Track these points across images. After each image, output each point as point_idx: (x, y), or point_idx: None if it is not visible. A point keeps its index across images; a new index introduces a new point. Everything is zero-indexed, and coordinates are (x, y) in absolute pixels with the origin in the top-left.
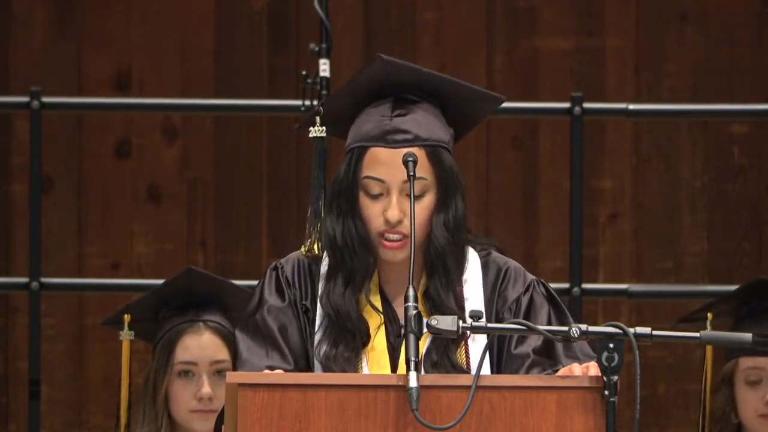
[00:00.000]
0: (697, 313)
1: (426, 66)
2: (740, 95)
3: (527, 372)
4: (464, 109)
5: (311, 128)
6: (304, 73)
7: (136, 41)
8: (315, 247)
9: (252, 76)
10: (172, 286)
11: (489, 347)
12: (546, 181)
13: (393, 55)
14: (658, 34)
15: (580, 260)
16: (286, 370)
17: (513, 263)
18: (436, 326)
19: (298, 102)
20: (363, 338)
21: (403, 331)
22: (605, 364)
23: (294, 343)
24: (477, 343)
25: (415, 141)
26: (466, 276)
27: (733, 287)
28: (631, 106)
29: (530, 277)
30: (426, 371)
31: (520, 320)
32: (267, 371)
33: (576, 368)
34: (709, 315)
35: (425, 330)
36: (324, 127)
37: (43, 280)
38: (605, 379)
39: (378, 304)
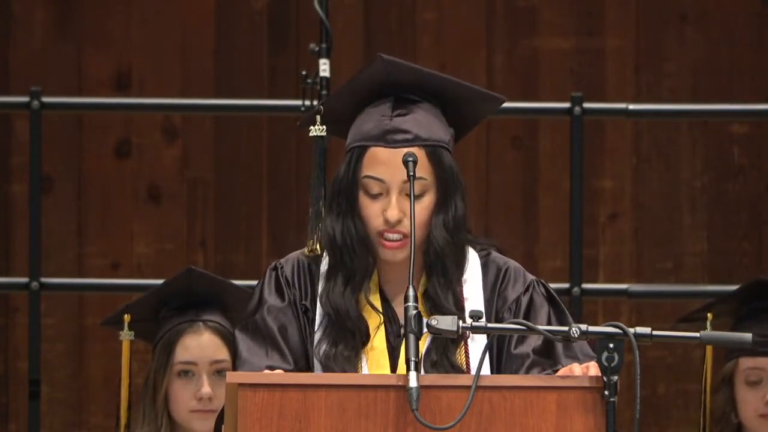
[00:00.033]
0: (697, 313)
1: (426, 66)
2: (740, 95)
3: (527, 372)
4: (465, 109)
5: (311, 127)
6: (304, 73)
7: (136, 41)
8: (318, 247)
9: (252, 76)
10: (172, 286)
11: (489, 347)
12: (546, 181)
13: (393, 55)
14: (658, 34)
15: (580, 260)
16: (285, 370)
17: (513, 263)
18: (436, 326)
19: (298, 102)
20: (363, 337)
21: (402, 330)
22: (605, 364)
23: (294, 343)
24: (476, 344)
25: (415, 141)
26: (465, 276)
27: (733, 287)
28: (631, 106)
29: (530, 277)
30: (426, 371)
31: (520, 320)
32: (267, 371)
33: (576, 368)
34: (709, 315)
35: (425, 330)
36: (324, 126)
37: (43, 280)
38: (605, 379)
39: (377, 303)
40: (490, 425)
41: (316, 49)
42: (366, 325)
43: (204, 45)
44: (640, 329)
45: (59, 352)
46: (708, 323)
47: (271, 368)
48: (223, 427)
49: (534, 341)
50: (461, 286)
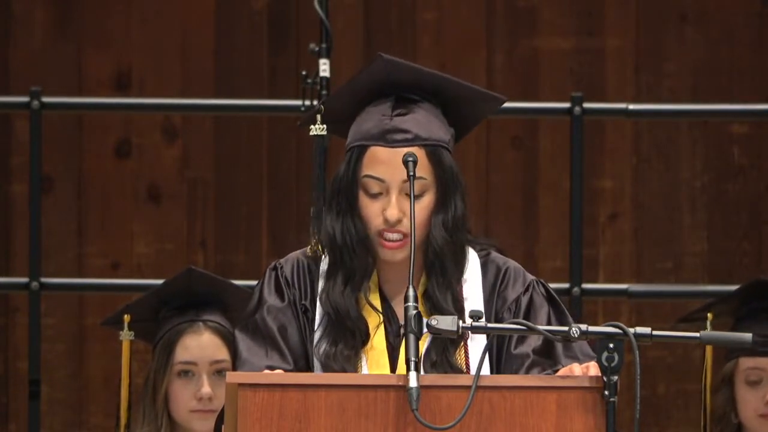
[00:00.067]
0: (697, 313)
1: (426, 66)
2: (740, 95)
3: (527, 372)
4: (465, 109)
5: (312, 126)
6: (304, 73)
7: (136, 41)
8: (320, 248)
9: (252, 76)
10: (172, 286)
11: (488, 348)
12: (546, 181)
13: (393, 55)
14: (658, 34)
15: (580, 260)
16: (285, 370)
17: (512, 263)
18: (436, 326)
19: (298, 102)
20: (362, 337)
21: (402, 330)
22: (605, 364)
23: (293, 343)
24: (476, 344)
25: (415, 140)
26: (465, 276)
27: (733, 287)
28: (631, 106)
29: (530, 277)
30: (425, 371)
31: (520, 320)
32: (267, 371)
33: (576, 368)
34: (709, 315)
35: (425, 330)
36: (324, 126)
37: (43, 280)
38: (605, 379)
39: (377, 303)
40: (490, 425)
41: (316, 49)
42: (366, 324)
43: (204, 45)
44: (640, 329)
45: (59, 352)
46: (708, 323)
47: (271, 368)
48: (223, 427)
49: (534, 341)
50: (461, 286)
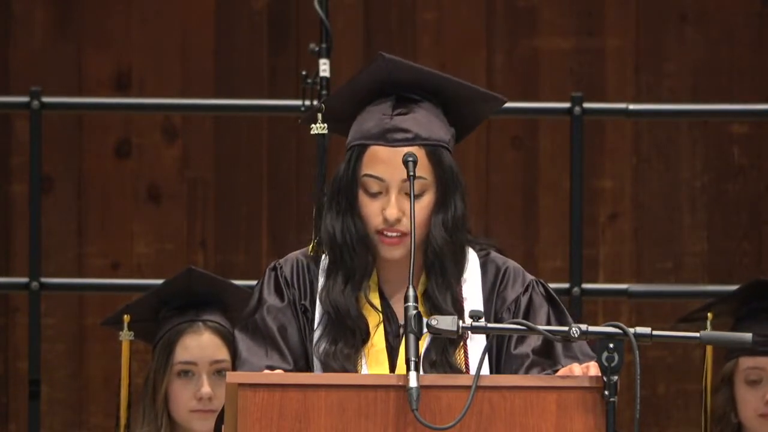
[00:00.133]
0: (697, 313)
1: (426, 66)
2: (740, 95)
3: (527, 372)
4: (465, 109)
5: (313, 125)
6: (304, 73)
7: (136, 41)
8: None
9: (252, 76)
10: (172, 286)
11: (488, 348)
12: (546, 181)
13: (393, 55)
14: (658, 34)
15: (580, 260)
16: (285, 370)
17: (512, 263)
18: (436, 326)
19: (298, 102)
20: (363, 336)
21: (402, 330)
22: (605, 364)
23: (293, 343)
24: (476, 344)
25: (415, 140)
26: (465, 276)
27: (733, 287)
28: (631, 106)
29: (529, 277)
30: (425, 371)
31: (520, 320)
32: (267, 371)
33: (576, 368)
34: (709, 315)
35: (425, 330)
36: (325, 125)
37: (43, 280)
38: (605, 379)
39: (377, 303)
40: (490, 425)
41: (316, 49)
42: (366, 323)
43: (204, 45)
44: (640, 329)
45: (59, 352)
46: (708, 323)
47: (271, 368)
48: (223, 427)
49: (533, 341)
50: (460, 286)
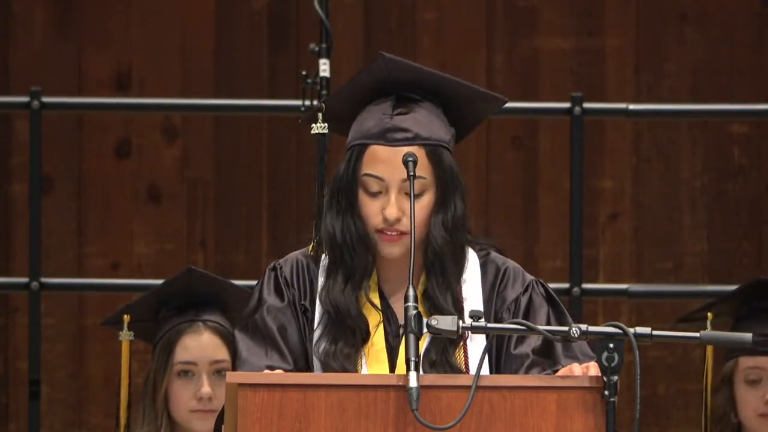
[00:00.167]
0: (696, 313)
1: (426, 66)
2: (740, 95)
3: (526, 372)
4: (466, 109)
5: (313, 125)
6: (304, 73)
7: (136, 41)
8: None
9: (252, 76)
10: (172, 286)
11: (488, 348)
12: (546, 181)
13: (393, 55)
14: (658, 34)
15: (580, 260)
16: (285, 370)
17: (512, 263)
18: (436, 326)
19: (298, 102)
20: (363, 335)
21: (402, 330)
22: (605, 364)
23: (293, 344)
24: (475, 344)
25: (415, 140)
26: (464, 276)
27: (733, 287)
28: (631, 106)
29: (529, 277)
30: (424, 371)
31: (520, 320)
32: (267, 371)
33: (576, 368)
34: (709, 315)
35: (425, 330)
36: (326, 124)
37: (43, 280)
38: (605, 379)
39: (377, 302)
40: (490, 425)
41: (316, 49)
42: (366, 322)
43: (204, 45)
44: (640, 329)
45: (59, 352)
46: (708, 323)
47: (271, 368)
48: (223, 427)
49: (533, 341)
50: (460, 286)
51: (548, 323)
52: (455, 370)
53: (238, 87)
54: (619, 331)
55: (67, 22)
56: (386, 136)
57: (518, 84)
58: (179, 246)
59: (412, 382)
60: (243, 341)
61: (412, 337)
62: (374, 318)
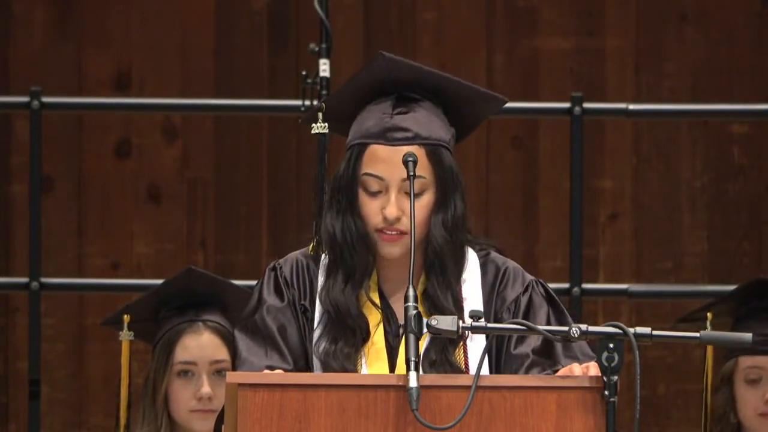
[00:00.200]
0: (696, 313)
1: (426, 66)
2: (740, 95)
3: (526, 372)
4: (466, 109)
5: (313, 124)
6: (304, 73)
7: (136, 41)
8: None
9: (252, 76)
10: (172, 286)
11: (488, 348)
12: (546, 181)
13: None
14: (658, 34)
15: (580, 260)
16: (285, 370)
17: (512, 263)
18: (436, 326)
19: (298, 102)
20: (363, 335)
21: (402, 330)
22: (605, 364)
23: (293, 343)
24: (475, 343)
25: (415, 139)
26: (464, 276)
27: (733, 287)
28: (631, 106)
29: (529, 277)
30: (424, 371)
31: (520, 320)
32: (267, 371)
33: (576, 368)
34: (709, 315)
35: (425, 330)
36: (326, 124)
37: (43, 280)
38: (605, 379)
39: (377, 302)
40: (490, 425)
41: (316, 49)
42: (366, 322)
43: (204, 45)
44: (640, 329)
45: (59, 352)
46: (708, 323)
47: (271, 368)
48: (223, 427)
49: (533, 341)
50: (460, 286)
51: (548, 323)
52: (455, 369)
53: (238, 87)
54: (619, 331)
55: (67, 22)
56: (386, 136)
57: (518, 84)
58: (179, 246)
59: (412, 382)
60: (243, 341)
61: (412, 337)
62: (374, 317)
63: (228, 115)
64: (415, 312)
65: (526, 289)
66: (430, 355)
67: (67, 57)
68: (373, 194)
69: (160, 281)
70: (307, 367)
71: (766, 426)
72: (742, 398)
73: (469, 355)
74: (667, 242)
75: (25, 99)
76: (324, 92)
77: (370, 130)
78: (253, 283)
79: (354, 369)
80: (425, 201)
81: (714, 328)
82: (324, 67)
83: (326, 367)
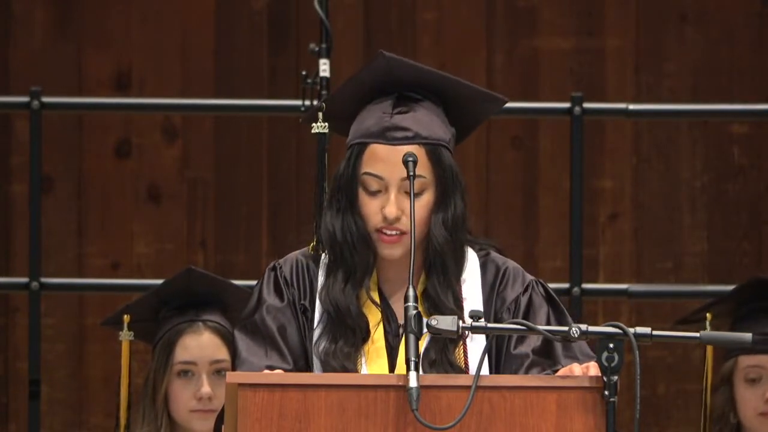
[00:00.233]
0: (694, 314)
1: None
2: (740, 95)
3: (526, 372)
4: (466, 109)
5: (314, 124)
6: (304, 73)
7: (136, 41)
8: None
9: (252, 76)
10: (172, 286)
11: (488, 348)
12: (546, 181)
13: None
14: (658, 34)
15: (580, 260)
16: (285, 370)
17: (512, 263)
18: (436, 326)
19: (298, 102)
20: (363, 334)
21: (402, 330)
22: (605, 364)
23: (293, 343)
24: (475, 343)
25: (414, 139)
26: (464, 276)
27: (733, 287)
28: (631, 106)
29: (529, 277)
30: (424, 370)
31: (520, 320)
32: (267, 371)
33: (576, 368)
34: (708, 315)
35: (425, 330)
36: (326, 123)
37: (43, 280)
38: (605, 379)
39: (377, 300)
40: (490, 425)
41: (316, 49)
42: (366, 321)
43: (204, 45)
44: (640, 329)
45: (59, 352)
46: (707, 323)
47: (271, 368)
48: (223, 427)
49: (533, 341)
50: (460, 286)
51: (548, 323)
52: (455, 368)
53: (238, 87)
54: (619, 331)
55: (67, 22)
56: (386, 135)
57: (518, 84)
58: (179, 246)
59: (412, 382)
60: (243, 341)
61: (412, 337)
62: (374, 317)
63: (228, 115)
64: (415, 312)
65: (526, 289)
66: (430, 354)
67: (67, 57)
68: (373, 194)
69: (160, 281)
70: (307, 367)
71: (766, 426)
72: (741, 398)
73: (469, 355)
74: (667, 242)
75: (25, 99)
76: (324, 92)
77: (370, 130)
78: (253, 283)
79: (354, 368)
80: (425, 200)
81: (713, 328)
82: (324, 67)
83: (326, 367)
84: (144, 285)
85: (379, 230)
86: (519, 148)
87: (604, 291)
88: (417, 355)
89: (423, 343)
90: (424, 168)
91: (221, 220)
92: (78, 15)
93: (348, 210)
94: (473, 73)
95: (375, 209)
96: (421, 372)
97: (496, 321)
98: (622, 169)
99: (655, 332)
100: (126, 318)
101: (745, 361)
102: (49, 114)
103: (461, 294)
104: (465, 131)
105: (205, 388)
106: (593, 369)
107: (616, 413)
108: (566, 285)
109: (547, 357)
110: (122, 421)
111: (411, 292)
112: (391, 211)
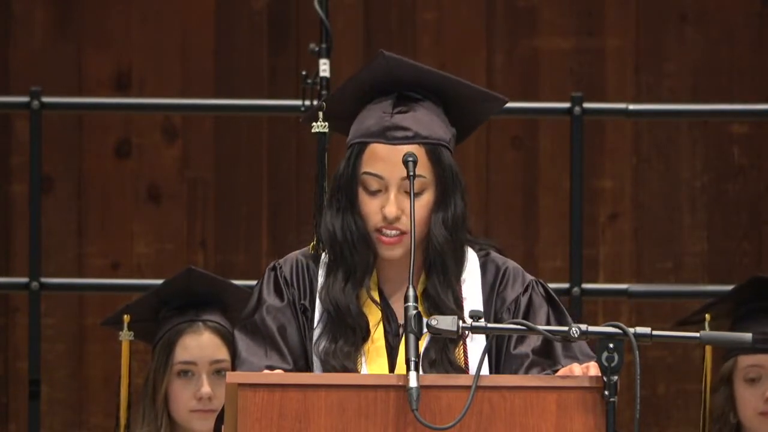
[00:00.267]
0: (694, 315)
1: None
2: (740, 95)
3: (526, 372)
4: (466, 109)
5: (314, 123)
6: (304, 73)
7: (136, 41)
8: (320, 244)
9: (252, 76)
10: (172, 286)
11: (488, 348)
12: (546, 181)
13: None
14: (658, 34)
15: (580, 260)
16: (285, 370)
17: (512, 263)
18: (436, 326)
19: (298, 102)
20: (363, 333)
21: (402, 330)
22: (605, 364)
23: (293, 343)
24: (475, 343)
25: (414, 138)
26: (464, 276)
27: (732, 287)
28: (631, 106)
29: (529, 277)
30: (424, 370)
31: (520, 320)
32: (267, 371)
33: (576, 368)
34: (707, 316)
35: (425, 330)
36: (326, 123)
37: (43, 280)
38: (605, 379)
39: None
40: (490, 425)
41: (316, 49)
42: (366, 321)
43: (204, 45)
44: (640, 329)
45: (59, 352)
46: (706, 324)
47: (271, 368)
48: (223, 427)
49: (533, 341)
50: (460, 286)
51: (548, 323)
52: (455, 367)
53: (238, 87)
54: (619, 331)
55: (67, 22)
56: (386, 135)
57: (518, 84)
58: (179, 246)
59: (412, 382)
60: (242, 341)
61: (412, 337)
62: (374, 317)
63: (228, 115)
64: (415, 312)
65: (526, 289)
66: (430, 354)
67: (67, 57)
68: (373, 193)
69: (160, 281)
70: (307, 367)
71: (766, 425)
72: (741, 397)
73: (469, 355)
74: (667, 242)
75: (25, 99)
76: (324, 92)
77: (370, 129)
78: (253, 283)
79: (354, 368)
80: (425, 200)
81: (712, 328)
82: (324, 67)
83: (326, 366)
84: (144, 285)
85: (378, 231)
86: (519, 148)
87: (604, 291)
88: (417, 355)
89: (423, 343)
90: (424, 168)
91: (221, 220)
92: (78, 15)
93: (348, 209)
94: (473, 73)
95: (375, 209)
96: (421, 372)
97: (496, 321)
98: (622, 169)
99: (655, 332)
100: (126, 318)
101: (745, 360)
102: (49, 114)
103: (461, 294)
104: (465, 131)
105: (205, 388)
106: (593, 369)
107: (616, 413)
108: (566, 285)
109: (547, 357)
110: (122, 421)
111: (411, 292)
112: (391, 210)
